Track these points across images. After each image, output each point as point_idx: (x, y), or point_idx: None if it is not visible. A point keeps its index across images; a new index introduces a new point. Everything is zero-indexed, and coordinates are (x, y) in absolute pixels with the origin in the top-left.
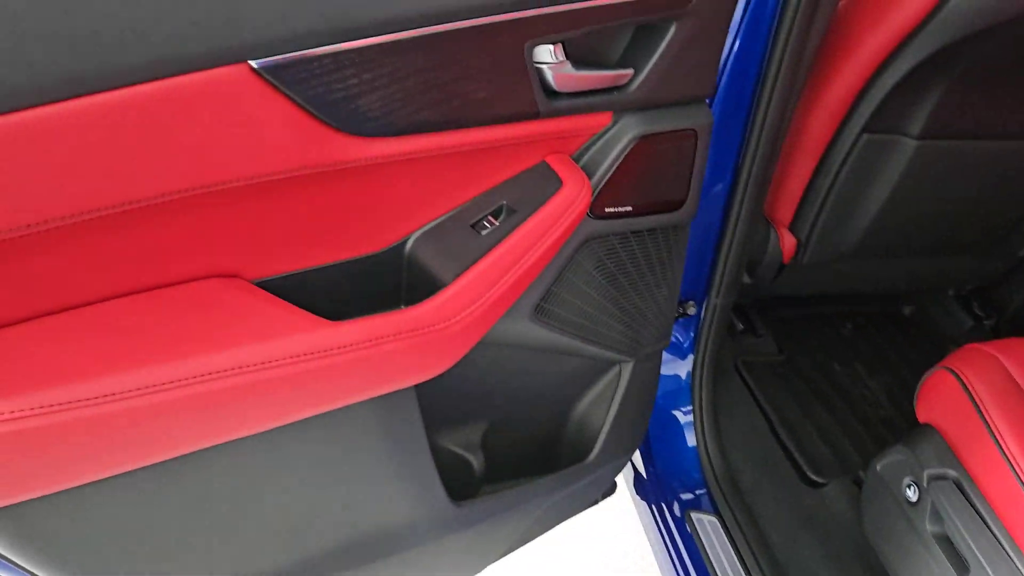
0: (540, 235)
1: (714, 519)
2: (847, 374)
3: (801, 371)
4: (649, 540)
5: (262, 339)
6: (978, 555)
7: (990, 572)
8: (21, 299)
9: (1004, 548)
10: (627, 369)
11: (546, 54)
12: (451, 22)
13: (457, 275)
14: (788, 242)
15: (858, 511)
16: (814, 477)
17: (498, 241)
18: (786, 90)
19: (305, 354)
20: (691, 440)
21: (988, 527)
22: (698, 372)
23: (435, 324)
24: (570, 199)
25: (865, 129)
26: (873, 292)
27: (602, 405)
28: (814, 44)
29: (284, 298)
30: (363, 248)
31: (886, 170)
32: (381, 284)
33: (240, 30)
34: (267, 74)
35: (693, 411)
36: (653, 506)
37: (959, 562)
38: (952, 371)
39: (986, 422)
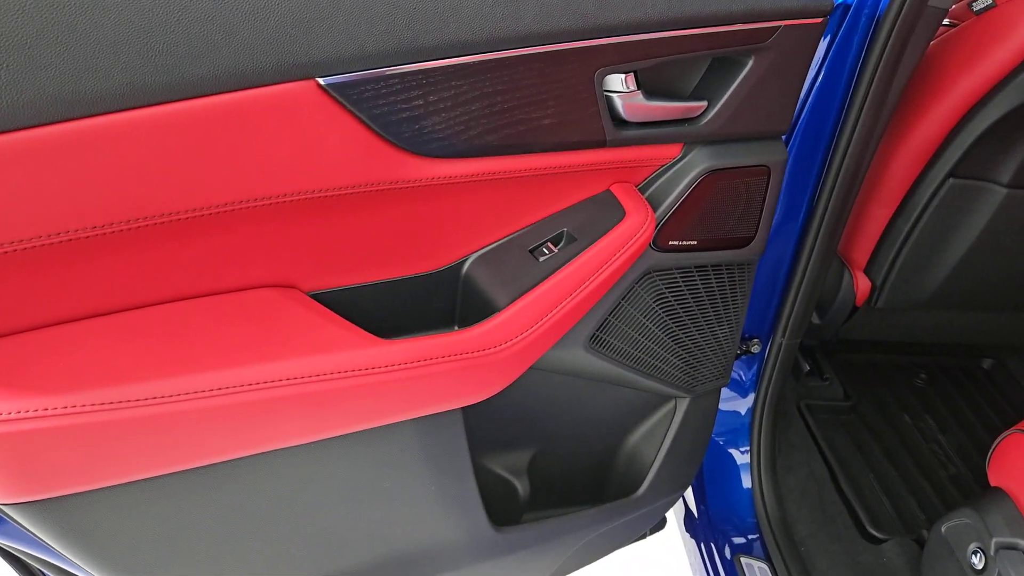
0: (599, 265)
1: (765, 566)
2: (917, 427)
3: (867, 420)
4: None
5: (313, 352)
6: None
7: None
8: (85, 297)
9: None
10: (683, 404)
11: (617, 83)
12: (520, 48)
13: (511, 300)
14: (862, 284)
15: (917, 572)
16: (873, 532)
17: (555, 268)
18: (868, 130)
19: (354, 370)
20: (746, 482)
21: None
22: (758, 412)
23: (485, 348)
24: (632, 230)
25: (951, 174)
26: (950, 343)
27: (655, 439)
28: (900, 85)
29: (338, 311)
30: (420, 267)
31: (971, 217)
32: (435, 304)
33: (309, 48)
34: (333, 91)
35: (750, 452)
36: (702, 545)
37: None
38: None
39: None
